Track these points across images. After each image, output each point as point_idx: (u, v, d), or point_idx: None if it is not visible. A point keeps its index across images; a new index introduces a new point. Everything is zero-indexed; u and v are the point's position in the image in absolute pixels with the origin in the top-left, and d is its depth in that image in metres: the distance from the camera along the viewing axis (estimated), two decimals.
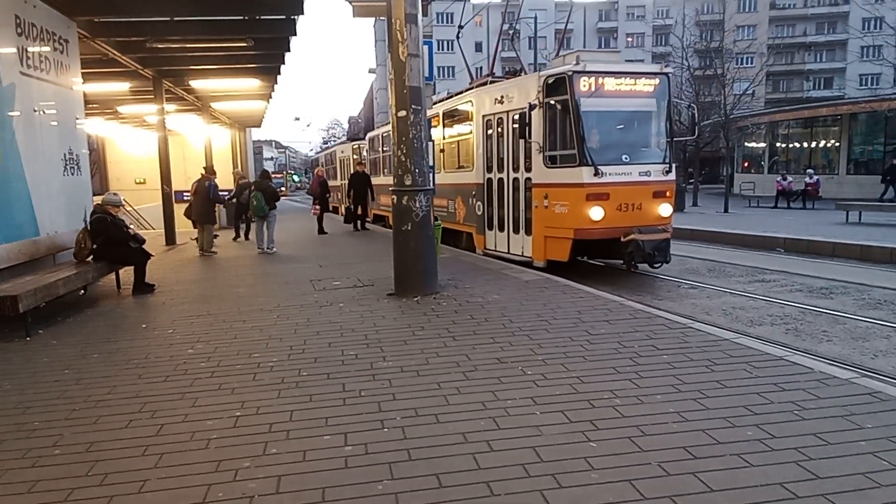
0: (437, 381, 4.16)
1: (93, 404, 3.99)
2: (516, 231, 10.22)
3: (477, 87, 11.69)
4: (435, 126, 13.10)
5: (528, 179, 9.66)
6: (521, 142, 9.56)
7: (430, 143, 9.46)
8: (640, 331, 5.27)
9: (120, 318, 6.71)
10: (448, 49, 64.46)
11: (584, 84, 8.90)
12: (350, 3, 10.85)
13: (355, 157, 23.34)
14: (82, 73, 9.39)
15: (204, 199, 12.54)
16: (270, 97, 18.68)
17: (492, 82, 11.29)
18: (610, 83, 9.10)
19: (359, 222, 16.67)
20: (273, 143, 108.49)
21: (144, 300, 7.72)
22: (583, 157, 8.78)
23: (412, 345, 5.06)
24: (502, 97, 10.33)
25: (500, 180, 10.58)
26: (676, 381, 4.02)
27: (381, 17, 7.79)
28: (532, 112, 9.04)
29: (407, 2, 6.84)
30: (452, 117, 12.82)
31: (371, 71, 49.05)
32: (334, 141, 67.35)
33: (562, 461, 2.93)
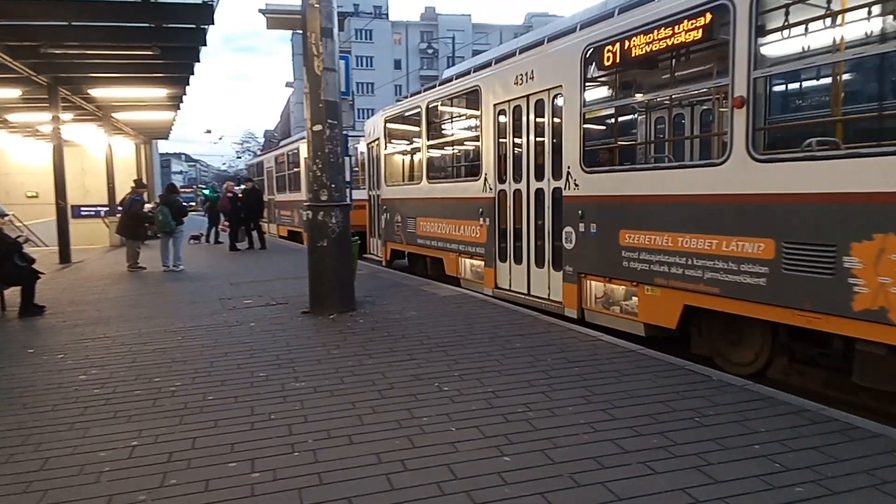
0: (352, 400, 4.06)
1: None
2: None
3: None
4: None
5: None
6: None
7: (348, 158, 9.37)
8: (553, 344, 5.38)
9: (3, 343, 6.14)
10: (367, 66, 64.60)
11: None
12: (264, 14, 10.63)
13: None
14: None
15: (127, 214, 12.38)
16: (179, 107, 17.93)
17: None
18: None
19: (258, 240, 16.08)
20: (182, 155, 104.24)
21: (32, 323, 7.11)
22: None
23: (326, 364, 4.93)
24: None
25: None
26: (587, 392, 4.12)
27: (298, 31, 7.67)
28: None
29: (322, 16, 6.78)
30: None
31: (288, 84, 48.30)
32: (251, 155, 65.44)
33: (476, 477, 2.92)
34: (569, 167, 6.46)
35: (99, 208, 21.73)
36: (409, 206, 10.21)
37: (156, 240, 12.98)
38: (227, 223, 16.36)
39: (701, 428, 3.47)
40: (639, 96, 6.64)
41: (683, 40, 5.22)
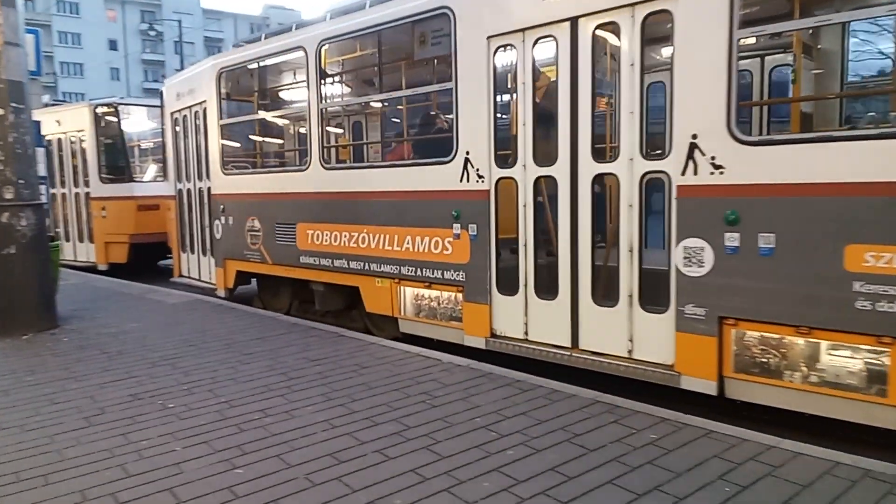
0: (50, 433, 3.44)
1: None
2: None
3: None
4: None
5: None
6: None
7: (42, 149, 7.95)
8: (294, 344, 5.26)
9: None
10: (74, 43, 55.90)
11: None
12: None
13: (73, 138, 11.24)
14: None
15: None
16: None
17: None
18: None
19: None
20: None
21: None
22: None
23: (16, 395, 4.11)
24: None
25: None
26: (328, 389, 4.10)
27: None
28: None
29: None
30: None
31: None
32: None
33: (203, 497, 2.69)
34: (694, 137, 3.70)
35: None
36: (280, 207, 6.67)
37: None
38: None
39: (431, 409, 3.70)
40: None
41: None
